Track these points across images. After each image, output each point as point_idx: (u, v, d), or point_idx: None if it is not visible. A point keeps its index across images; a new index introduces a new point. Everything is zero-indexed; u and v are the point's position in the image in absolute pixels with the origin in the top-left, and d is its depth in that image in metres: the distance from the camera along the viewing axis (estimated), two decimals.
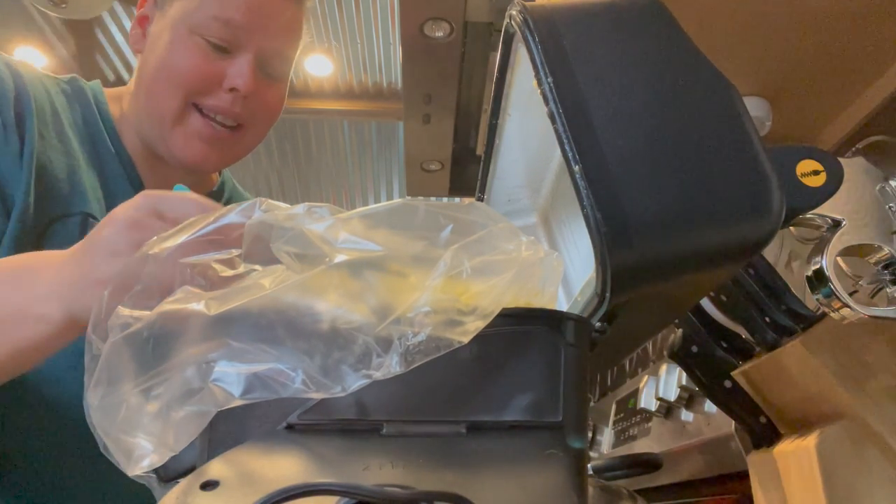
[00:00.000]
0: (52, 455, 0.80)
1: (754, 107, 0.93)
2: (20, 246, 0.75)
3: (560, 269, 0.44)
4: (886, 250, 0.54)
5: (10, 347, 0.58)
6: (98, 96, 0.89)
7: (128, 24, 2.92)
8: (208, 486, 0.32)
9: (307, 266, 0.40)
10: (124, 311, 0.42)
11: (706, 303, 0.70)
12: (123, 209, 0.56)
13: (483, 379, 0.39)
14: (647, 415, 1.08)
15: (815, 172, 0.51)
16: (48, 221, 0.78)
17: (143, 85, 0.85)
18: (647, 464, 1.01)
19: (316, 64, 3.26)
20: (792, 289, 0.64)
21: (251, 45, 0.83)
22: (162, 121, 0.83)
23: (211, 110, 0.83)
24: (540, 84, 0.43)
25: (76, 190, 0.81)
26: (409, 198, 0.51)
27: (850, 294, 0.53)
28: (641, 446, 1.09)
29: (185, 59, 0.82)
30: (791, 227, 0.69)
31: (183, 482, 0.33)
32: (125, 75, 3.20)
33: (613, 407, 1.31)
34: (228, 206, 0.47)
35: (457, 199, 1.84)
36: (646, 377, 1.06)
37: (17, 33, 2.93)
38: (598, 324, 0.45)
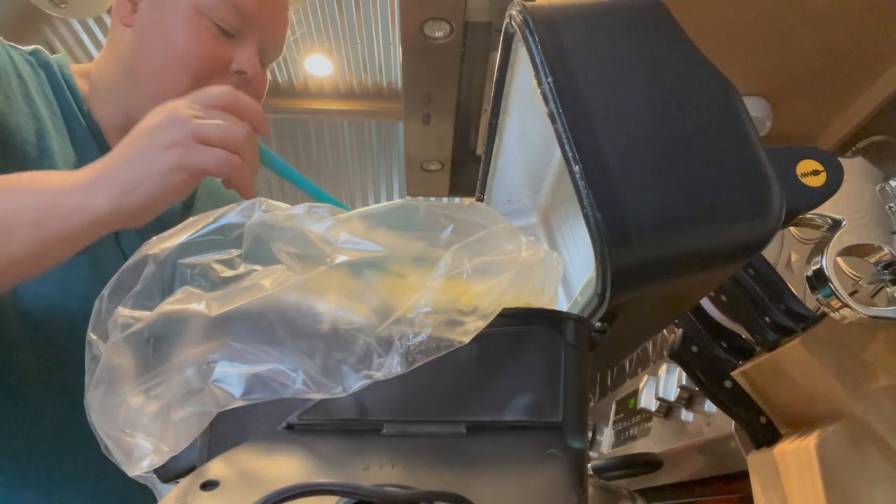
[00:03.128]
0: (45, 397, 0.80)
1: (754, 107, 0.93)
2: None
3: (560, 269, 0.44)
4: (886, 250, 0.54)
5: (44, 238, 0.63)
6: (63, 69, 0.88)
7: None
8: (208, 486, 0.32)
9: (308, 266, 0.40)
10: (125, 312, 0.42)
11: (706, 303, 0.70)
12: (173, 105, 0.67)
13: (483, 379, 0.39)
14: (647, 415, 1.08)
15: (815, 172, 0.51)
16: None
17: (144, 63, 0.84)
18: (647, 464, 1.01)
19: (316, 64, 3.26)
20: (792, 289, 0.64)
21: (256, 33, 0.84)
22: (166, 99, 0.83)
23: None
24: (540, 84, 0.43)
25: (45, 154, 0.80)
26: (409, 198, 0.51)
27: (850, 294, 0.53)
28: (641, 446, 1.09)
29: (196, 41, 0.81)
30: (791, 227, 0.69)
31: (183, 482, 0.33)
32: None
33: (613, 407, 1.31)
34: (228, 206, 0.47)
35: (457, 200, 1.84)
36: (646, 377, 1.06)
37: (17, 33, 2.93)
38: (598, 324, 0.45)
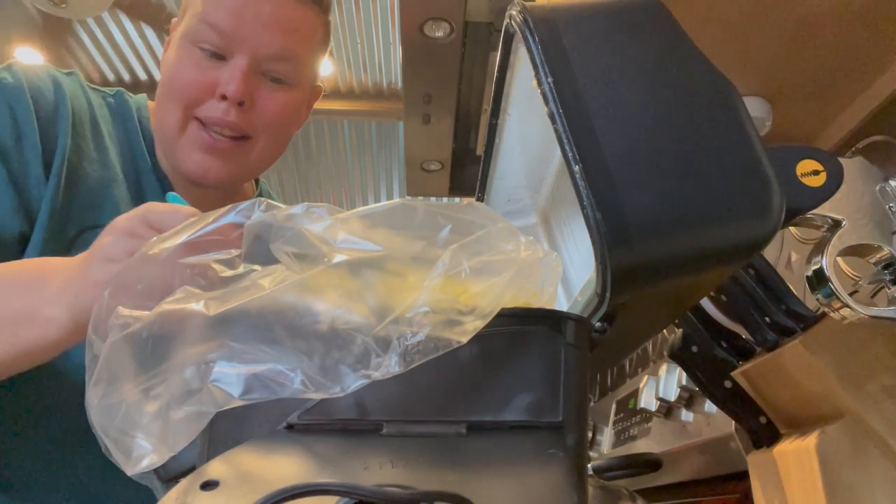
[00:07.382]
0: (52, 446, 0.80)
1: (754, 107, 0.93)
2: (48, 252, 0.76)
3: (559, 269, 0.44)
4: (886, 250, 0.54)
5: (17, 347, 0.61)
6: (142, 111, 0.90)
7: (128, 24, 2.93)
8: (208, 486, 0.32)
9: (306, 266, 0.40)
10: (124, 311, 0.42)
11: (706, 303, 0.70)
12: (122, 218, 0.60)
13: (483, 379, 0.39)
14: (647, 415, 1.08)
15: (815, 172, 0.51)
16: (79, 231, 0.79)
17: (157, 101, 0.86)
18: (647, 464, 1.01)
19: None
20: (792, 289, 0.64)
21: (244, 49, 0.80)
22: (168, 134, 0.84)
23: (208, 122, 0.82)
24: (540, 84, 0.43)
25: (109, 202, 0.82)
26: (408, 198, 0.51)
27: (850, 294, 0.53)
28: (641, 446, 1.09)
29: (183, 70, 0.81)
30: (791, 227, 0.69)
31: (183, 482, 0.33)
32: (125, 75, 3.20)
33: (613, 407, 1.31)
34: (228, 206, 0.47)
35: (457, 200, 1.84)
36: (646, 377, 1.06)
37: (16, 33, 2.93)
38: (598, 324, 0.45)
